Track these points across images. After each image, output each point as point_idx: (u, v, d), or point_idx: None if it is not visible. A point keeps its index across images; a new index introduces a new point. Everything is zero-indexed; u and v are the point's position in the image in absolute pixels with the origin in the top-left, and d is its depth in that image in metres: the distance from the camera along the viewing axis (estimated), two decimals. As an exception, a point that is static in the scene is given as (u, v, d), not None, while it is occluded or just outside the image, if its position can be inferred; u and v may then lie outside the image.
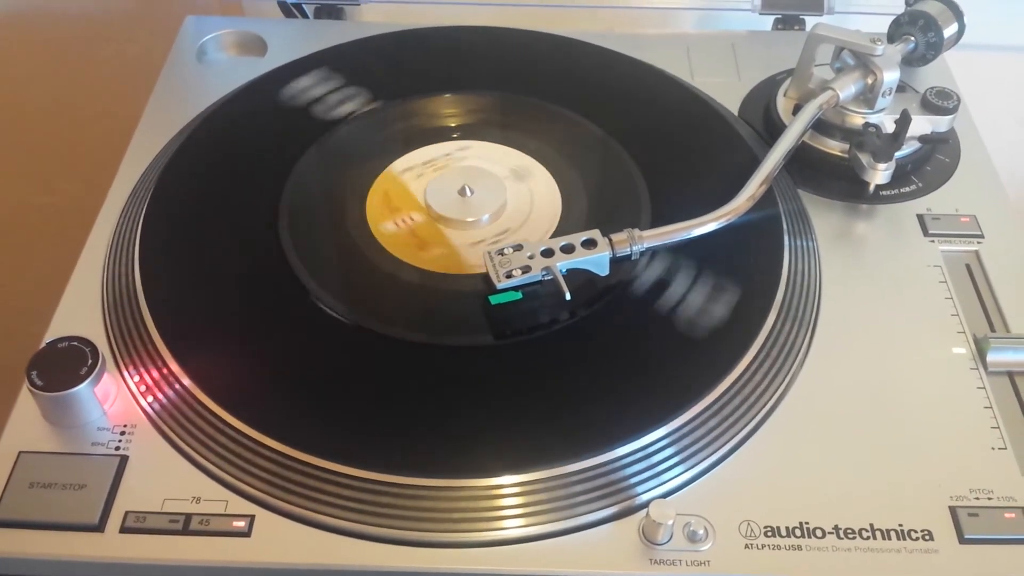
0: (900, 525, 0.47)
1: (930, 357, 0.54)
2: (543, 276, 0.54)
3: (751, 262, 0.58)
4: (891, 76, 0.62)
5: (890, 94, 0.63)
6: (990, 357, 0.54)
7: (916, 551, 0.46)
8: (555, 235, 0.60)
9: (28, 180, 1.02)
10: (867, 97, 0.63)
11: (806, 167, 0.64)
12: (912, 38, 0.69)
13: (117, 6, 0.91)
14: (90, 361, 0.50)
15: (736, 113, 0.70)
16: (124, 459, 0.49)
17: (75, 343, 0.50)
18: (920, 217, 0.62)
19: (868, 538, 0.47)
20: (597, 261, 0.55)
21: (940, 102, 0.63)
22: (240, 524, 0.47)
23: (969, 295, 0.58)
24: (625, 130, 0.66)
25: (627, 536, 0.47)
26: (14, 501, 0.47)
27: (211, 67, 0.74)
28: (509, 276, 0.54)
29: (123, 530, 0.46)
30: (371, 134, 0.67)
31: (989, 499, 0.48)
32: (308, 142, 0.65)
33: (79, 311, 0.55)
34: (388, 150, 0.65)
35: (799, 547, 0.46)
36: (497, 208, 0.61)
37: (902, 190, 0.64)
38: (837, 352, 0.55)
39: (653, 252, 0.57)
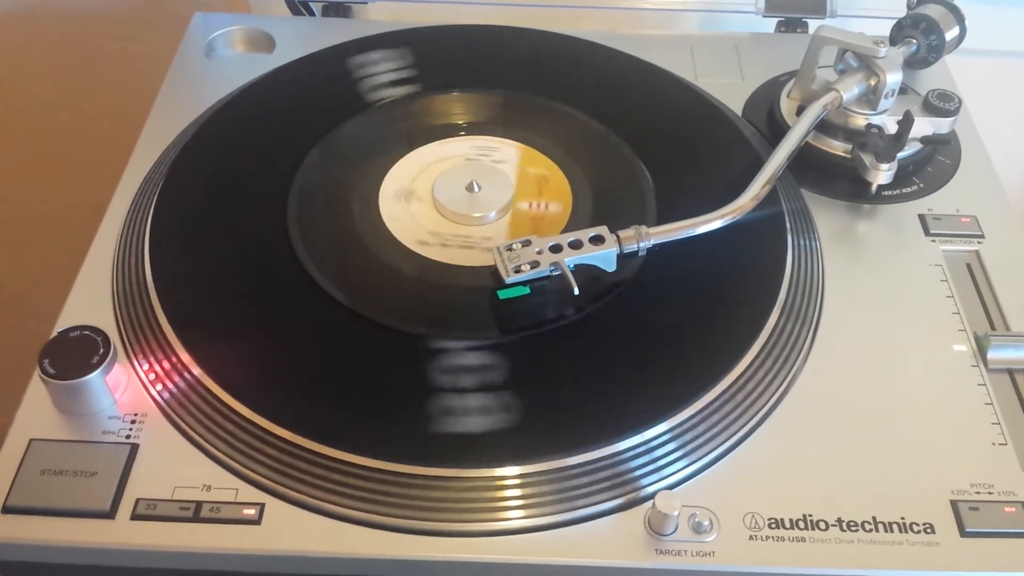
0: (902, 518, 0.48)
1: (931, 354, 0.55)
2: (551, 271, 0.55)
3: (755, 260, 0.59)
4: (894, 78, 0.63)
5: (892, 96, 0.64)
6: (990, 355, 0.55)
7: (918, 544, 0.47)
8: (563, 232, 0.60)
9: (31, 178, 1.02)
10: (870, 98, 0.64)
11: (809, 167, 0.65)
12: (914, 41, 0.70)
13: (120, 4, 0.91)
14: (101, 350, 0.50)
15: (740, 114, 0.70)
16: (135, 447, 0.49)
17: (87, 332, 0.50)
18: (921, 217, 0.63)
19: (871, 531, 0.47)
20: (604, 257, 0.55)
21: (942, 104, 0.64)
22: (250, 512, 0.47)
23: (970, 294, 0.59)
24: (631, 129, 0.67)
25: (633, 527, 0.47)
26: (25, 488, 0.47)
27: (219, 63, 0.74)
28: (518, 271, 0.54)
29: (134, 517, 0.47)
30: (378, 130, 0.67)
31: (990, 493, 0.49)
32: (316, 136, 0.65)
33: (90, 301, 0.56)
34: (394, 146, 0.66)
35: (803, 539, 0.47)
36: (504, 205, 0.62)
37: (904, 190, 0.64)
38: (839, 349, 0.55)
39: (658, 249, 0.58)
